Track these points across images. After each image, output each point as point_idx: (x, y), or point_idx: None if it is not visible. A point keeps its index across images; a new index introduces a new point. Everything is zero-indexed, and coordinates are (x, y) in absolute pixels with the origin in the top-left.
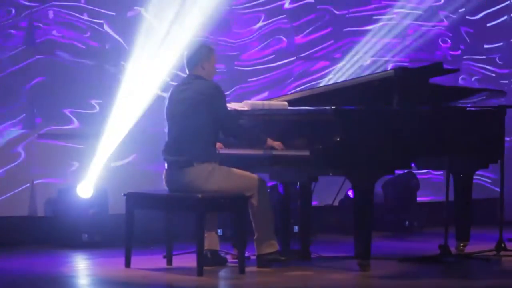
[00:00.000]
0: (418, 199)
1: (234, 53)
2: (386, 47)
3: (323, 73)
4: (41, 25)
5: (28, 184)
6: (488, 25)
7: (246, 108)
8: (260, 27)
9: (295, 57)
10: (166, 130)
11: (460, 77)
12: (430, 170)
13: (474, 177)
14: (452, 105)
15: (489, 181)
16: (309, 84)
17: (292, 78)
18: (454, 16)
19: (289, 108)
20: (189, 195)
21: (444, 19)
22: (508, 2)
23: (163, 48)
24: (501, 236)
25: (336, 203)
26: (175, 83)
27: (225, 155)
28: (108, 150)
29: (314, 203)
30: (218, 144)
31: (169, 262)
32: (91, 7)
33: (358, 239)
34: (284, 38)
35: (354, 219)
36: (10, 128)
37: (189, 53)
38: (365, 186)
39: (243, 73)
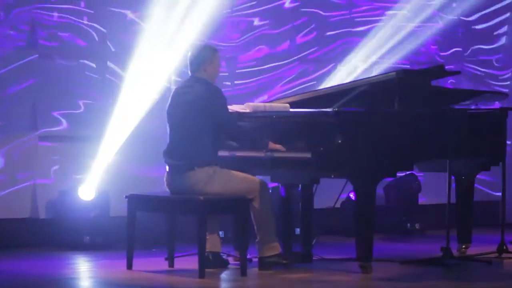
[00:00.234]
0: (419, 201)
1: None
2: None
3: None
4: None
5: (29, 186)
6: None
7: (247, 110)
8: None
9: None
10: (167, 132)
11: (448, 81)
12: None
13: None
14: (454, 107)
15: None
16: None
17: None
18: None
19: (291, 110)
20: (191, 197)
21: (440, 21)
22: (506, 2)
23: (164, 51)
24: (503, 238)
25: (337, 205)
26: (178, 84)
27: (226, 158)
28: (110, 152)
29: (315, 205)
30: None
31: (171, 264)
32: (91, 11)
33: (360, 241)
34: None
35: (355, 221)
36: (10, 129)
37: (192, 55)
38: (367, 188)
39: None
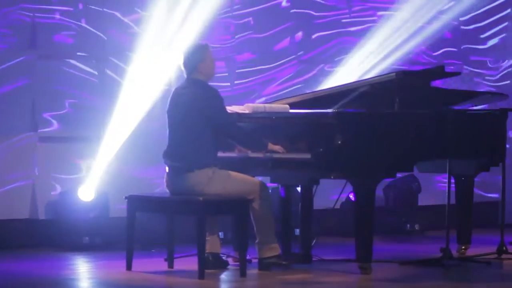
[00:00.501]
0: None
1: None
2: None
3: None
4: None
5: (29, 187)
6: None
7: (247, 111)
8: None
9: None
10: (167, 133)
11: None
12: (431, 173)
13: None
14: (454, 108)
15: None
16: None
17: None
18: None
19: (291, 111)
20: (190, 198)
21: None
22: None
23: (164, 51)
24: (503, 239)
25: (337, 206)
26: (176, 86)
27: (226, 159)
28: (109, 153)
29: (315, 206)
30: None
31: (170, 265)
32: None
33: (359, 242)
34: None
35: (355, 222)
36: (10, 130)
37: (184, 57)
38: (367, 189)
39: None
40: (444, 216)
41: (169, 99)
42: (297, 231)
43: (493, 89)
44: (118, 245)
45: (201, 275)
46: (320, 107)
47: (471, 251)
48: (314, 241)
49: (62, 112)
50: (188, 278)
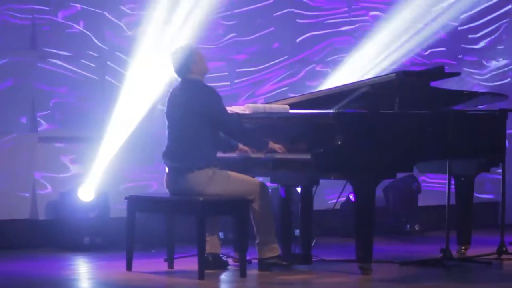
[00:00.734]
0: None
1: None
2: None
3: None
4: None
5: (30, 187)
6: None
7: (247, 112)
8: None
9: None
10: (166, 133)
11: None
12: (431, 174)
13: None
14: (454, 108)
15: None
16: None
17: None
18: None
19: (291, 111)
20: (190, 198)
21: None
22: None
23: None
24: (503, 240)
25: (337, 207)
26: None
27: (226, 159)
28: (109, 154)
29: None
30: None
31: (170, 265)
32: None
33: (360, 242)
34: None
35: (355, 223)
36: (9, 130)
37: (174, 63)
38: (367, 189)
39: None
40: (444, 216)
41: (166, 100)
42: (297, 232)
43: (485, 89)
44: (118, 246)
45: (201, 275)
46: (320, 108)
47: (471, 252)
48: (314, 241)
49: (62, 112)
50: (188, 279)
